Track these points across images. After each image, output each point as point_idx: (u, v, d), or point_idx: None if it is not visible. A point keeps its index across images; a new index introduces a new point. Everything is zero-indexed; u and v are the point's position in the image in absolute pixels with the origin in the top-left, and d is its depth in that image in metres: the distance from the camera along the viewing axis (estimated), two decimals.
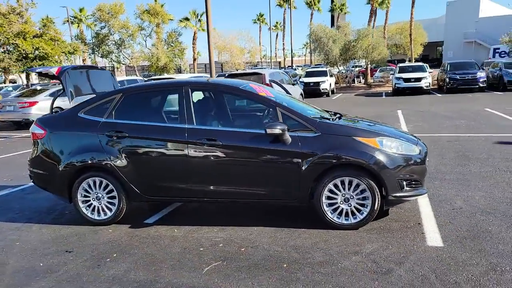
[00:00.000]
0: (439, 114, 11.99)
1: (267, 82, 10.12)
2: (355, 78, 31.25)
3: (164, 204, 4.79)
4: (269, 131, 3.71)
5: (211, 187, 4.04)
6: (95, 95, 4.58)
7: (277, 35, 65.97)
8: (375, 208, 3.76)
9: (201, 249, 3.62)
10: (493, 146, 7.08)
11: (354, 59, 28.82)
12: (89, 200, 4.33)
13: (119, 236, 4.02)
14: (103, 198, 4.30)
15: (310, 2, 57.14)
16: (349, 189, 3.79)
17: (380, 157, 3.70)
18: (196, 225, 4.20)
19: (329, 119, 4.18)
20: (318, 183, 3.81)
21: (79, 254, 3.66)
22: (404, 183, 3.78)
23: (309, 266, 3.18)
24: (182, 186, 4.11)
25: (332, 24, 47.91)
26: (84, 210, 4.36)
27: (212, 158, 3.96)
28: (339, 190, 3.80)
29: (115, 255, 3.60)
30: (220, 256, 3.45)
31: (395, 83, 20.92)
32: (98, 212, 4.35)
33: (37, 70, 4.87)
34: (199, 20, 36.20)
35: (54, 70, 4.51)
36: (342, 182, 3.78)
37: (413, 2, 40.12)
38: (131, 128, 4.17)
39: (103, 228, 4.25)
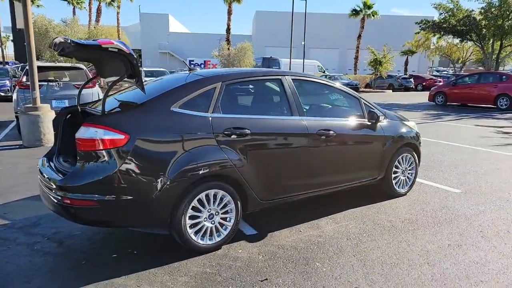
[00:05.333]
0: None
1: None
2: None
3: None
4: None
5: (324, 178, 4.06)
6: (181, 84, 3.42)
7: None
8: (417, 175, 5.04)
9: (371, 232, 3.76)
10: None
11: None
12: (200, 222, 3.28)
13: (269, 253, 3.35)
14: (217, 214, 3.38)
15: None
16: (405, 163, 4.87)
17: (419, 136, 5.03)
18: (296, 223, 4.02)
19: None
20: (391, 161, 4.67)
21: (280, 275, 2.94)
22: None
23: (461, 218, 4.16)
24: (302, 182, 3.88)
25: (13, 14, 41.65)
26: (193, 236, 3.25)
27: (328, 148, 4.01)
28: (401, 165, 4.82)
29: (318, 264, 3.15)
30: (388, 232, 3.78)
31: None
32: (211, 235, 3.37)
33: (86, 43, 2.95)
34: None
35: (119, 45, 3.02)
36: (403, 158, 4.82)
37: (118, 7, 41.47)
38: (252, 123, 3.50)
39: (224, 253, 3.35)
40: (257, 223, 3.99)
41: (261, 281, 2.90)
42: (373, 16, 37.49)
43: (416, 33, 34.71)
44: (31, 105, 8.05)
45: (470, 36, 24.78)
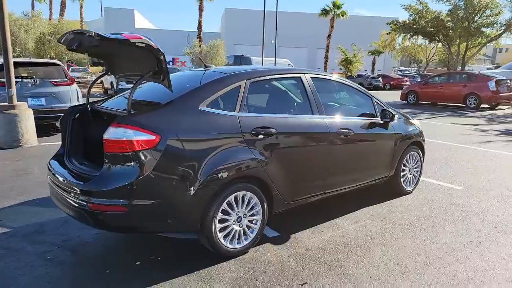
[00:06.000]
0: None
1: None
2: None
3: None
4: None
5: (343, 177, 4.02)
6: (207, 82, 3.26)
7: None
8: (421, 173, 5.12)
9: (402, 226, 3.75)
10: None
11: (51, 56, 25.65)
12: (228, 226, 3.15)
13: (299, 255, 3.26)
14: (245, 217, 3.26)
15: None
16: (412, 161, 4.93)
17: (423, 134, 5.10)
18: (316, 224, 3.96)
19: None
20: (400, 159, 4.70)
21: (318, 278, 2.86)
22: None
23: (472, 214, 4.24)
24: (324, 182, 3.81)
25: None
26: (222, 241, 3.11)
27: (346, 147, 3.97)
28: (408, 163, 4.87)
29: (351, 265, 3.10)
30: (410, 229, 3.80)
31: None
32: (239, 239, 3.24)
33: (113, 36, 2.72)
34: None
35: (147, 40, 2.81)
36: (410, 156, 4.87)
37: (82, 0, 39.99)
38: (277, 122, 3.40)
39: (253, 257, 3.23)
40: (277, 224, 3.89)
41: (301, 285, 2.81)
42: (342, 16, 38.10)
43: (387, 33, 35.67)
44: (6, 103, 7.54)
45: (438, 37, 25.78)
